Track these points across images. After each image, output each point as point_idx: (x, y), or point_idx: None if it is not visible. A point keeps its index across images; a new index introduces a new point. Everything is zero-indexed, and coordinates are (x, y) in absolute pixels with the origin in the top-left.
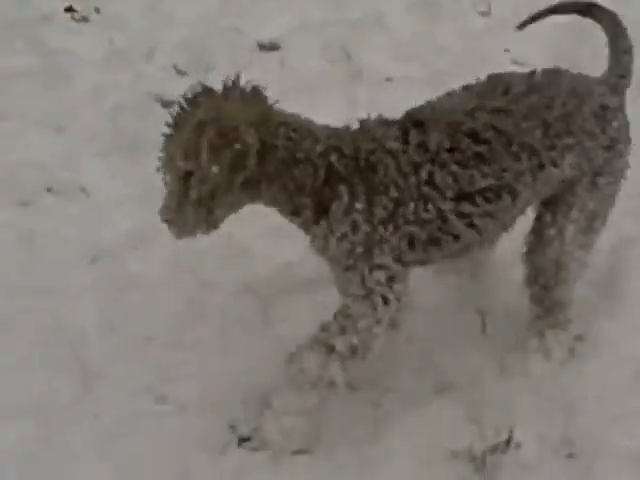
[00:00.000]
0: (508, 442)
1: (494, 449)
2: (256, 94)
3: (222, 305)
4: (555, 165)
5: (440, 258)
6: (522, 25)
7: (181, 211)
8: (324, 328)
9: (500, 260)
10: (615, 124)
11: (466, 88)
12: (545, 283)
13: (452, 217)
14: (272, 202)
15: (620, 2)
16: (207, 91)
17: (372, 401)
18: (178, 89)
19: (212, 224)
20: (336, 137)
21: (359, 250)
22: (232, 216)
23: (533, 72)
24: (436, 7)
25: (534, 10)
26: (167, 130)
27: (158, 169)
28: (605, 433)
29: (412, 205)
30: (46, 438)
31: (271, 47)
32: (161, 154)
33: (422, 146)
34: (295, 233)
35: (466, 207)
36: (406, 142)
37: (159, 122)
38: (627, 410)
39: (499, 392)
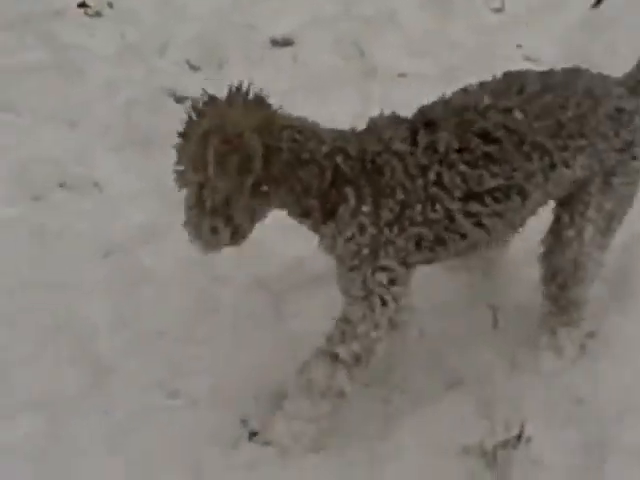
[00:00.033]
0: (519, 437)
1: (505, 444)
2: (259, 100)
3: (234, 300)
4: (567, 166)
5: (446, 257)
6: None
7: (201, 224)
8: (328, 338)
9: (512, 257)
10: (631, 127)
11: (482, 85)
12: (562, 283)
13: (459, 217)
14: (282, 205)
15: None
16: (211, 100)
17: (382, 397)
18: (191, 84)
19: (237, 236)
20: (342, 139)
21: (365, 252)
22: None
23: (550, 71)
24: (449, 3)
25: (547, 6)
26: (178, 142)
27: (175, 183)
28: (616, 429)
29: (419, 207)
30: (56, 433)
31: (284, 43)
32: (175, 168)
33: (431, 147)
34: (306, 229)
35: (474, 207)
36: (415, 143)
37: (172, 117)
38: (638, 406)
39: (510, 388)
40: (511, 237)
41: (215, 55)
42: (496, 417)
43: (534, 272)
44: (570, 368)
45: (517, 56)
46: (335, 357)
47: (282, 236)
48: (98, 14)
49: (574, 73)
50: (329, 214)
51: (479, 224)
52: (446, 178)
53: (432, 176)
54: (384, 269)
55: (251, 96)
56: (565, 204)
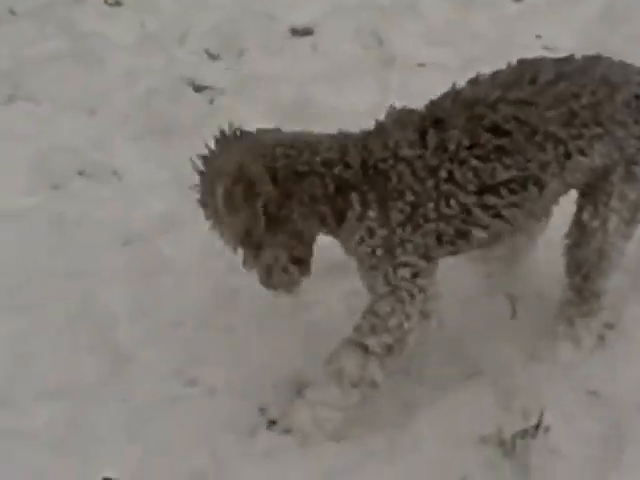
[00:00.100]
0: (537, 427)
1: (523, 434)
2: (244, 135)
3: (252, 289)
4: (583, 154)
5: (471, 248)
6: None
7: (272, 273)
8: (356, 328)
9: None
10: None
11: (493, 75)
12: (586, 273)
13: (477, 210)
14: (302, 219)
15: None
16: (210, 153)
17: (401, 387)
18: (210, 73)
19: (304, 265)
20: (340, 146)
21: (379, 252)
22: None
23: (568, 57)
24: None
25: None
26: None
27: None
28: (635, 420)
29: (431, 204)
30: (75, 421)
31: (303, 32)
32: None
33: (440, 147)
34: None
35: (490, 199)
36: (424, 146)
37: (191, 106)
38: None
39: (528, 378)
40: (538, 230)
41: (235, 44)
42: (514, 407)
43: (552, 262)
44: (588, 359)
45: (536, 46)
46: (366, 348)
47: None
48: (118, 3)
49: (593, 60)
50: (340, 219)
51: (498, 215)
52: (458, 174)
53: (443, 174)
54: (405, 265)
55: (237, 134)
56: (588, 195)
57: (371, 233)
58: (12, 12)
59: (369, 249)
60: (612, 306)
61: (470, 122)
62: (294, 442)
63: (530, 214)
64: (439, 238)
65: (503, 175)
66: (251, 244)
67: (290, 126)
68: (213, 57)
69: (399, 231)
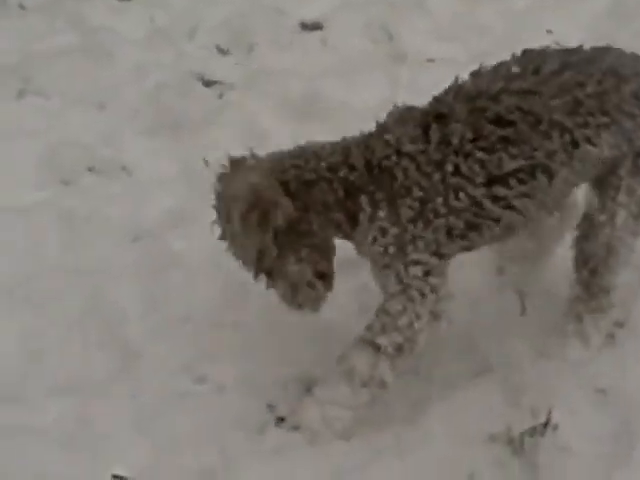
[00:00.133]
0: (546, 424)
1: (532, 432)
2: (253, 156)
3: (262, 285)
4: (591, 143)
5: (483, 242)
6: None
7: (297, 292)
8: (368, 327)
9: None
10: None
11: (497, 67)
12: (594, 268)
13: (487, 202)
14: (320, 229)
15: None
16: (221, 179)
17: (410, 384)
18: (220, 68)
19: (327, 279)
20: (342, 149)
21: (392, 250)
22: None
23: (576, 48)
24: None
25: None
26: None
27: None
28: None
29: (440, 199)
30: (85, 417)
31: (313, 27)
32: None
33: (444, 142)
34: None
35: (499, 190)
36: (427, 140)
37: (201, 101)
38: None
39: (538, 375)
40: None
41: (244, 39)
42: (523, 404)
43: (562, 259)
44: (597, 356)
45: (545, 42)
46: (377, 348)
47: None
48: None
49: (602, 51)
50: (354, 223)
51: (509, 207)
52: (464, 167)
53: (449, 168)
54: (417, 263)
55: (241, 159)
56: (597, 188)
57: (383, 232)
58: (22, 7)
59: (381, 248)
60: (622, 303)
61: (472, 115)
62: (303, 440)
63: (541, 205)
64: (450, 233)
65: (510, 165)
66: (271, 265)
67: (300, 120)
68: (223, 52)
69: (410, 228)
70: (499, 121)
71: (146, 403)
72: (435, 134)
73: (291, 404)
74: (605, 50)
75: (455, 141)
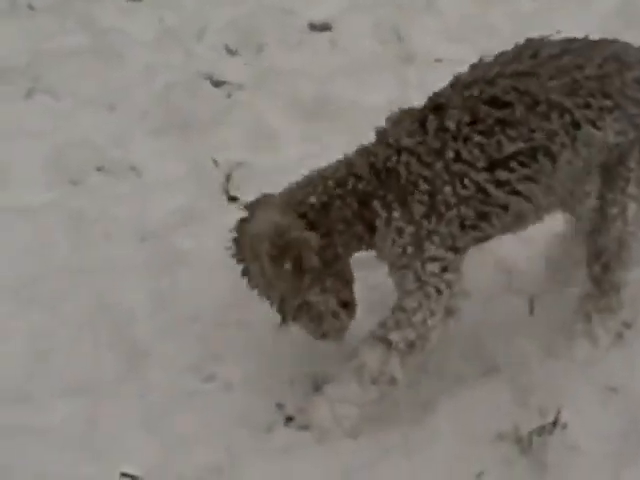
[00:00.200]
0: (555, 424)
1: (540, 431)
2: (268, 195)
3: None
4: (595, 126)
5: (495, 232)
6: None
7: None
8: (382, 324)
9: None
10: None
11: (496, 56)
12: (606, 263)
13: (491, 187)
14: (345, 249)
15: None
16: (242, 222)
17: (419, 383)
18: (229, 69)
19: (350, 307)
20: (346, 163)
21: (410, 249)
22: None
23: (578, 38)
24: None
25: None
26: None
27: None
28: None
29: (448, 188)
30: (94, 417)
31: (322, 27)
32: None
33: (441, 129)
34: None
35: (502, 174)
36: (424, 132)
37: (210, 101)
38: None
39: (546, 375)
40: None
41: (253, 40)
42: (531, 404)
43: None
44: (605, 356)
45: None
46: (389, 344)
47: None
48: None
49: (607, 41)
50: (372, 230)
51: (514, 192)
52: (464, 152)
53: (450, 154)
54: (434, 259)
55: (262, 199)
56: (606, 180)
57: (400, 232)
58: (31, 7)
59: (400, 249)
60: (630, 303)
61: (468, 99)
62: (311, 438)
63: (549, 190)
64: (462, 224)
65: (510, 148)
66: (298, 299)
67: (309, 121)
68: (232, 52)
69: (425, 223)
70: (495, 102)
71: (154, 402)
72: (432, 123)
73: (299, 403)
74: (610, 41)
75: (452, 126)
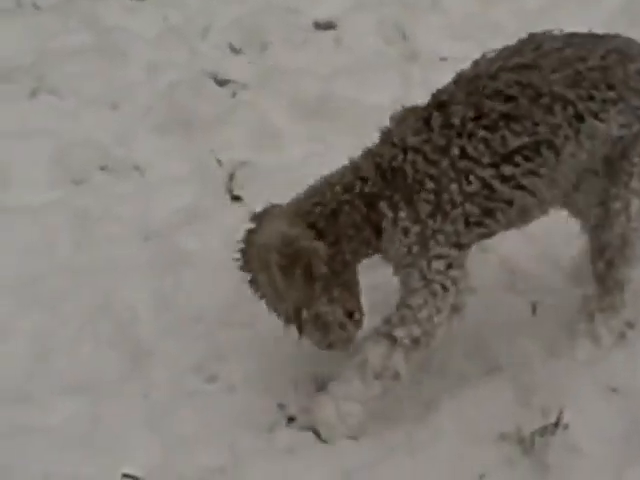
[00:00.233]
0: (557, 424)
1: (543, 431)
2: (275, 206)
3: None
4: (598, 118)
5: (500, 228)
6: None
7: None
8: (386, 320)
9: (551, 242)
10: None
11: (499, 51)
12: (610, 259)
13: (496, 183)
14: (353, 256)
15: None
16: (249, 233)
17: (421, 382)
18: (233, 67)
19: (357, 317)
20: (351, 167)
21: (415, 249)
22: (287, 197)
23: (581, 32)
24: None
25: None
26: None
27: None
28: None
29: (454, 186)
30: (96, 416)
31: (326, 26)
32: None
33: (446, 126)
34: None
35: (507, 169)
36: (429, 129)
37: (214, 100)
38: None
39: (548, 375)
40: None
41: (257, 38)
42: (534, 404)
43: (572, 256)
44: (608, 356)
45: None
46: (394, 340)
47: None
48: None
49: (611, 36)
50: (379, 233)
51: (519, 186)
52: (469, 149)
53: (455, 151)
54: (439, 257)
55: (269, 209)
56: (609, 174)
57: (406, 232)
58: (36, 6)
59: (405, 249)
60: (633, 303)
61: (472, 95)
62: (313, 439)
63: (552, 184)
64: (467, 221)
65: (514, 142)
66: (311, 309)
67: (313, 120)
68: (236, 51)
69: (430, 223)
70: (498, 96)
71: (157, 402)
72: (436, 121)
73: (302, 403)
74: (615, 36)
75: (457, 122)
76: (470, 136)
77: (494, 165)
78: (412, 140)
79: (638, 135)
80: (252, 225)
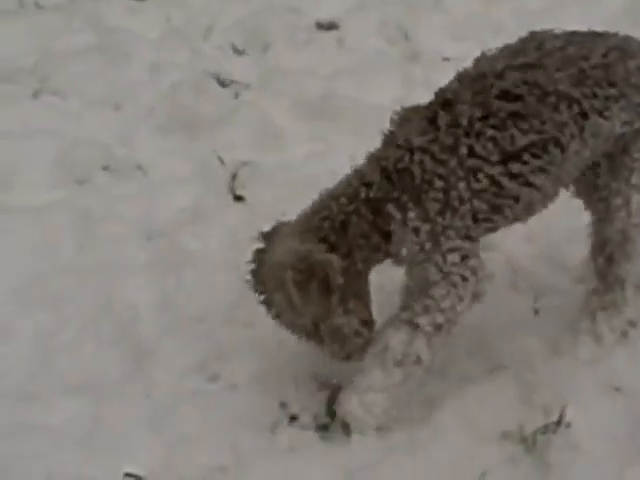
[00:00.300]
0: (559, 422)
1: (545, 429)
2: (283, 224)
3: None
4: (602, 115)
5: (506, 223)
6: None
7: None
8: (406, 308)
9: (553, 240)
10: None
11: (500, 49)
12: (610, 255)
13: (505, 180)
14: (364, 265)
15: None
16: (259, 253)
17: (423, 381)
18: (235, 68)
19: (369, 325)
20: (355, 175)
21: (428, 245)
22: (289, 197)
23: (581, 31)
24: None
25: None
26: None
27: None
28: None
29: (462, 184)
30: (99, 416)
31: (329, 26)
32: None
33: (453, 125)
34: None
35: (515, 167)
36: (436, 129)
37: (216, 100)
38: None
39: (551, 373)
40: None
41: (260, 39)
42: (536, 402)
43: (576, 258)
44: (610, 355)
45: None
46: (415, 326)
47: None
48: None
49: (611, 34)
50: (388, 237)
51: (527, 183)
52: (478, 148)
53: (463, 150)
54: (452, 250)
55: (278, 228)
56: (610, 170)
57: (416, 232)
58: (39, 6)
59: (417, 247)
60: (635, 302)
61: (479, 94)
62: (316, 437)
63: (557, 180)
64: (475, 217)
65: (523, 140)
66: (331, 322)
67: (315, 120)
68: (238, 51)
69: (439, 220)
70: (506, 96)
71: (159, 402)
72: (443, 120)
73: (303, 402)
74: (614, 34)
75: (464, 122)
76: (478, 135)
77: (502, 163)
78: (418, 140)
79: (639, 131)
80: (261, 245)
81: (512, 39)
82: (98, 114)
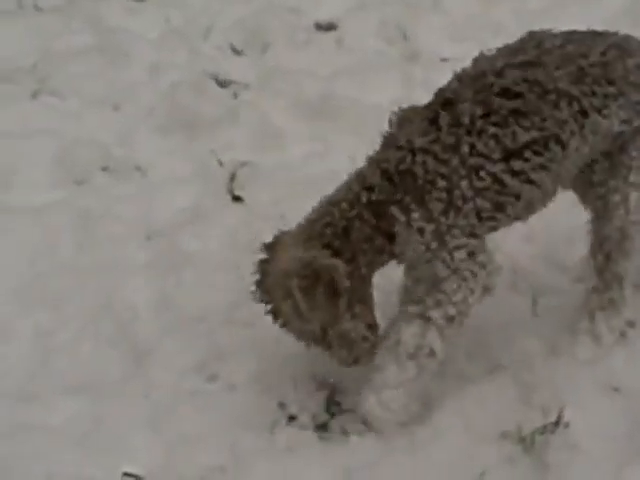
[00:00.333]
0: (557, 422)
1: (543, 429)
2: (285, 233)
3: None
4: (601, 113)
5: (508, 222)
6: None
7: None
8: (417, 301)
9: (553, 240)
10: None
11: (499, 49)
12: (608, 252)
13: (507, 177)
14: (368, 269)
15: None
16: (263, 263)
17: (422, 381)
18: (234, 68)
19: (374, 328)
20: (356, 179)
21: (434, 244)
22: (288, 198)
23: (580, 30)
24: None
25: None
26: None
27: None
28: None
29: (465, 182)
30: (98, 416)
31: (328, 27)
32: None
33: (454, 124)
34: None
35: (517, 164)
36: (437, 129)
37: (215, 101)
38: None
39: (550, 373)
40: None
41: (259, 39)
42: (535, 402)
43: (576, 258)
44: (609, 355)
45: None
46: (427, 319)
47: None
48: None
49: (610, 33)
50: (392, 238)
51: (528, 181)
52: (479, 145)
53: (465, 149)
54: (458, 247)
55: (279, 238)
56: (609, 168)
57: (421, 232)
58: (37, 7)
59: (423, 246)
60: (633, 302)
61: (479, 93)
62: (314, 437)
63: (557, 178)
64: (479, 215)
65: (524, 137)
66: (339, 326)
67: (314, 120)
68: (237, 52)
69: (443, 220)
70: (507, 94)
71: (158, 402)
72: (444, 119)
73: (302, 402)
74: (613, 33)
75: (466, 120)
76: (480, 133)
77: (504, 160)
78: (420, 141)
79: (637, 129)
80: (264, 255)
81: (512, 39)
82: (97, 114)
